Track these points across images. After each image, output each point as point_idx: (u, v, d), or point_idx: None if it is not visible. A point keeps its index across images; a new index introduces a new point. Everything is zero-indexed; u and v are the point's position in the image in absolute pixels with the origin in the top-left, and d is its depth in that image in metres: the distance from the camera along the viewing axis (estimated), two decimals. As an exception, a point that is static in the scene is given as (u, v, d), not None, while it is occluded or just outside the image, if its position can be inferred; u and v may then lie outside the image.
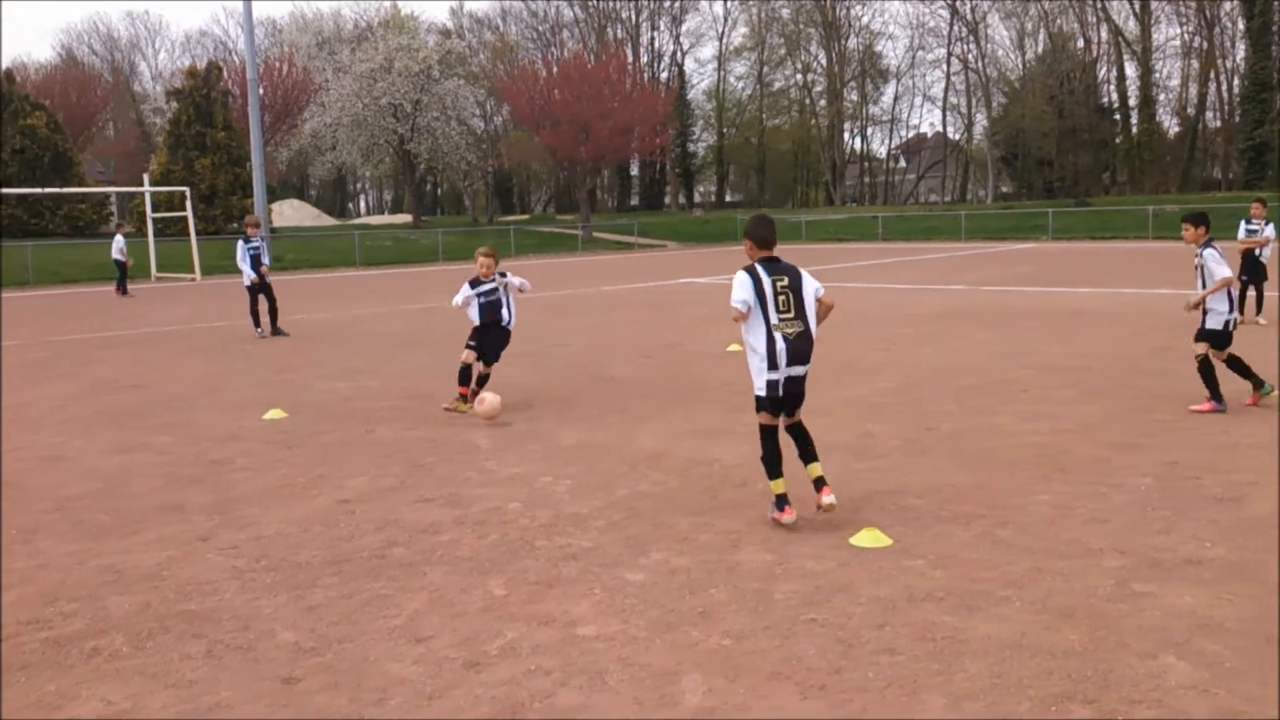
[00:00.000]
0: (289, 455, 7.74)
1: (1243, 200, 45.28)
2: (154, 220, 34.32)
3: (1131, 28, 73.87)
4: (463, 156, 65.53)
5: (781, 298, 5.80)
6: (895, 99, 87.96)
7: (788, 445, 5.85)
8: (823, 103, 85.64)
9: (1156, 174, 72.24)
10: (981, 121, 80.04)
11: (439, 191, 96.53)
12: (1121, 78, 75.14)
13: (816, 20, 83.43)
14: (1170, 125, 77.13)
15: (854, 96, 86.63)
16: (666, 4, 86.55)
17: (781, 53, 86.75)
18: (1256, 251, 14.22)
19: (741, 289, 5.86)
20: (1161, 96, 75.03)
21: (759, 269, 5.94)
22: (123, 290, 26.88)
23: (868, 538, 5.37)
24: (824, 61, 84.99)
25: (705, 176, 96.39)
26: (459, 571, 5.07)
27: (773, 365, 5.74)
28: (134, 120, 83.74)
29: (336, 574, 5.09)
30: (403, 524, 5.90)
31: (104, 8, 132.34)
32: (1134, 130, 73.80)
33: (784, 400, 5.84)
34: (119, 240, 27.88)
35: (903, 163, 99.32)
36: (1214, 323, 8.52)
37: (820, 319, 6.00)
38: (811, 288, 5.99)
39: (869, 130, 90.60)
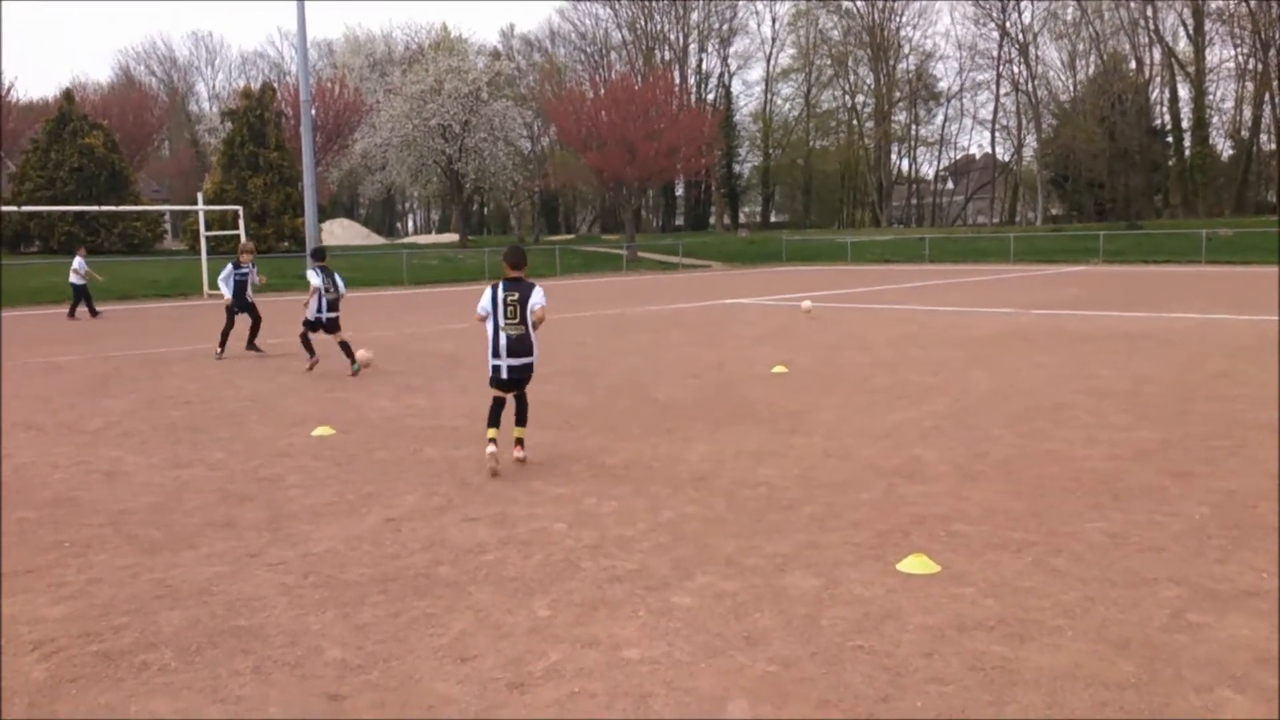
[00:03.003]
0: (339, 473, 7.81)
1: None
2: (207, 238, 34.90)
3: (1185, 49, 73.04)
4: (509, 177, 66.11)
5: (509, 308, 7.77)
6: (945, 120, 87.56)
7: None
8: (870, 124, 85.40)
9: (1210, 197, 71.17)
10: (1031, 143, 79.34)
11: (485, 211, 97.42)
12: (1174, 99, 74.23)
13: (865, 41, 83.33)
14: (1224, 148, 76.07)
15: (902, 118, 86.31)
16: (715, 26, 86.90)
17: (830, 74, 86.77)
18: None
19: (483, 300, 7.92)
20: (1215, 119, 74.03)
21: (499, 286, 7.87)
22: (91, 312, 25.10)
23: (916, 564, 5.30)
24: (872, 83, 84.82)
25: (751, 197, 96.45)
26: (504, 591, 5.08)
27: (496, 354, 7.84)
28: (189, 140, 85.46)
29: (384, 592, 5.12)
30: (449, 543, 5.92)
31: (166, 28, 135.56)
32: (1187, 153, 72.82)
33: (506, 381, 7.90)
34: (78, 261, 25.50)
35: (950, 184, 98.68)
36: None
37: (535, 325, 7.83)
38: (531, 302, 7.78)
39: (917, 152, 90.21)
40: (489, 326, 7.82)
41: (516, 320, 7.75)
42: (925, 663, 4.13)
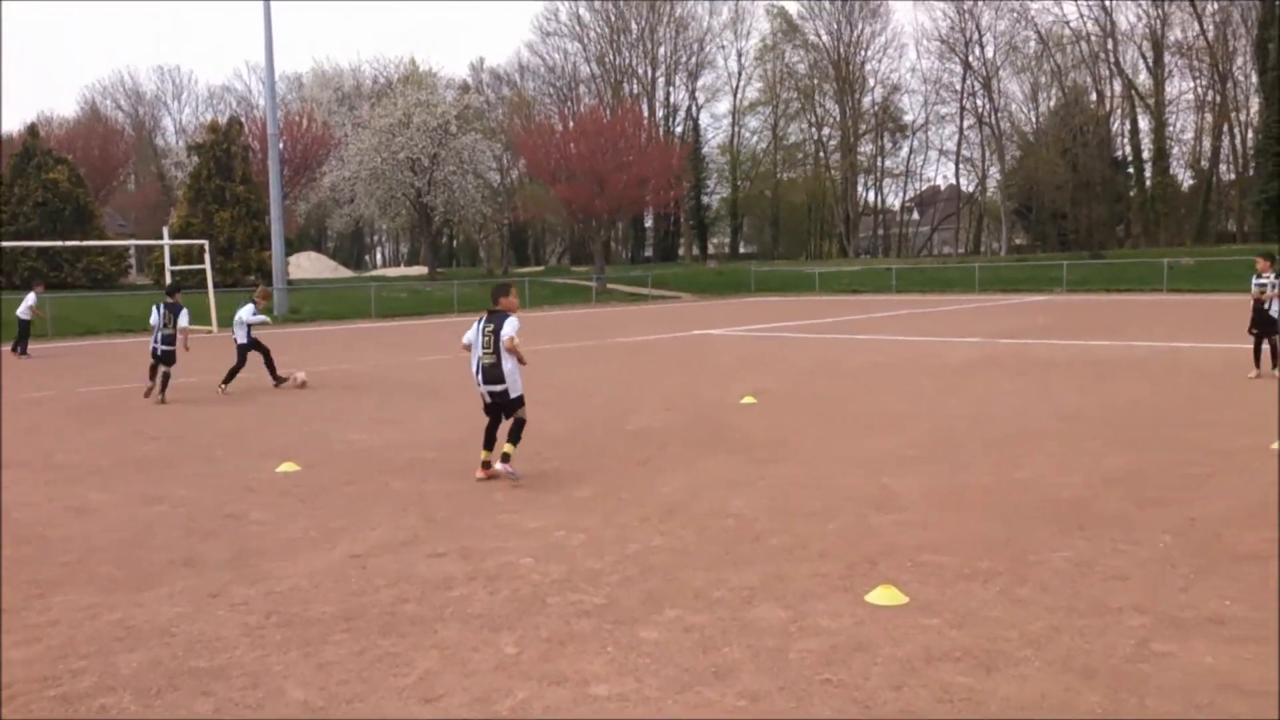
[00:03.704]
0: (304, 508, 7.72)
1: (1258, 252, 45.20)
2: (172, 273, 34.61)
3: (1144, 81, 74.39)
4: (478, 209, 66.13)
5: (485, 338, 8.40)
6: (910, 152, 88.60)
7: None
8: (836, 156, 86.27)
9: (1171, 227, 72.26)
10: (995, 174, 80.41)
11: (455, 243, 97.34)
12: (1135, 131, 75.47)
13: (831, 75, 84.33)
14: (1184, 178, 77.40)
15: (868, 150, 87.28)
16: (682, 60, 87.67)
17: (796, 106, 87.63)
18: (1266, 305, 14.15)
19: (468, 332, 8.63)
20: (1175, 149, 75.38)
21: (481, 320, 8.53)
22: (20, 350, 23.81)
23: (884, 595, 5.30)
24: (838, 115, 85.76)
25: (719, 228, 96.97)
26: (471, 628, 5.03)
27: (478, 383, 8.52)
28: (155, 174, 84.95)
29: (348, 630, 5.05)
30: (415, 579, 5.86)
31: (134, 63, 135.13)
32: (1148, 183, 73.95)
33: (492, 406, 8.58)
34: (30, 297, 24.48)
35: (916, 215, 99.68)
36: None
37: (511, 352, 8.29)
38: (503, 332, 8.28)
39: (884, 183, 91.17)
40: (472, 358, 8.56)
41: (490, 350, 8.36)
42: (894, 695, 4.12)
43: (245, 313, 16.17)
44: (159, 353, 14.67)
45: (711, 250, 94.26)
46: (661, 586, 5.61)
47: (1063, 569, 5.73)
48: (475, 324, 8.59)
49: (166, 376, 14.61)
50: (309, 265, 72.83)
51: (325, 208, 74.88)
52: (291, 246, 65.52)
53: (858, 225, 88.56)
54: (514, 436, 8.46)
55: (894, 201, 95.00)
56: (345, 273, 76.90)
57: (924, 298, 44.49)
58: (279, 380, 16.01)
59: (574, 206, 56.43)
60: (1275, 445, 9.01)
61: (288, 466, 9.30)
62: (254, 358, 16.07)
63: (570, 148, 55.20)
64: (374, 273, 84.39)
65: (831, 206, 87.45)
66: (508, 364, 8.36)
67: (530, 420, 11.51)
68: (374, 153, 61.47)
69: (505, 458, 8.37)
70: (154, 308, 15.05)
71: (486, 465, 8.54)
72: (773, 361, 18.39)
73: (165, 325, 14.68)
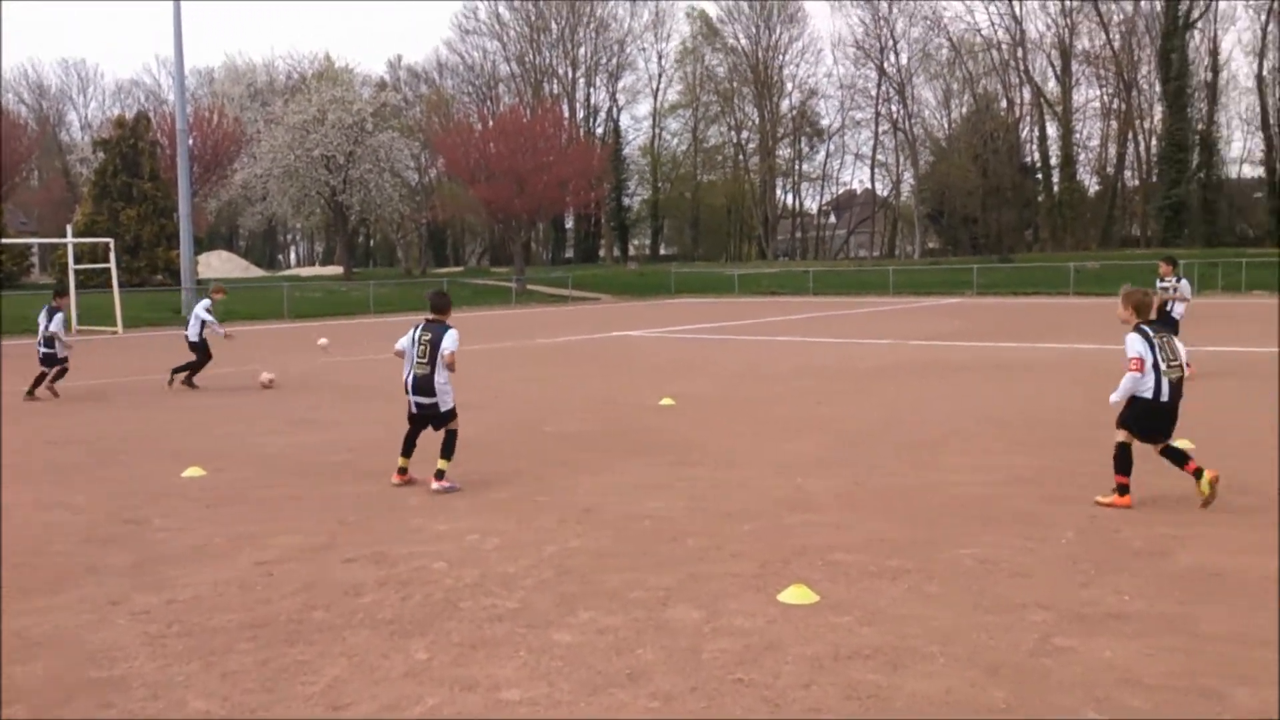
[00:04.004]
0: (210, 514, 7.53)
1: (1160, 257, 46.80)
2: (76, 272, 33.52)
3: (1053, 89, 76.52)
4: (395, 208, 65.32)
5: (421, 347, 8.11)
6: (827, 156, 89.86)
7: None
8: (755, 159, 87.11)
9: (1078, 231, 74.43)
10: (909, 179, 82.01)
11: (371, 243, 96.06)
12: (1043, 138, 77.62)
13: (750, 79, 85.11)
14: (1090, 184, 79.74)
15: (786, 153, 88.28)
16: (603, 61, 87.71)
17: (716, 110, 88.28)
18: (1169, 306, 14.63)
19: (401, 340, 8.31)
20: (1082, 156, 77.61)
21: (417, 328, 8.23)
22: None
23: (796, 594, 5.35)
24: (757, 119, 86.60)
25: (640, 230, 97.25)
26: (381, 635, 4.95)
27: (406, 390, 8.25)
28: (59, 170, 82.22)
29: (253, 639, 4.94)
30: (324, 585, 5.75)
31: (38, 56, 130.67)
32: (1055, 188, 76.11)
33: (418, 418, 8.26)
34: None
35: (833, 218, 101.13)
36: None
37: (446, 366, 8.03)
38: (442, 346, 8.01)
39: (801, 186, 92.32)
40: (405, 366, 8.30)
41: (425, 361, 8.10)
42: (804, 693, 4.16)
43: (201, 308, 15.94)
44: (40, 355, 14.69)
45: (632, 252, 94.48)
46: (577, 589, 5.59)
47: (970, 566, 5.85)
48: (410, 331, 8.25)
49: (57, 376, 14.65)
50: (219, 265, 71.27)
51: (237, 206, 73.30)
52: (201, 245, 64.01)
53: (776, 228, 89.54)
54: (447, 451, 8.16)
55: (811, 205, 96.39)
56: (257, 272, 75.41)
57: (841, 300, 45.14)
58: (173, 378, 15.66)
59: (493, 207, 56.05)
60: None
61: (195, 471, 9.07)
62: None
63: (490, 147, 54.83)
64: (287, 272, 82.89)
65: (751, 209, 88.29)
66: (440, 377, 8.10)
67: (447, 423, 11.44)
68: (287, 150, 60.34)
69: (439, 474, 8.08)
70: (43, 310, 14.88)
71: (403, 471, 8.35)
72: (692, 363, 18.48)
73: (46, 328, 14.58)
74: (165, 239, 48.73)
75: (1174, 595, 5.26)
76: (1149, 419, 7.17)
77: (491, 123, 59.75)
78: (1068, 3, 73.75)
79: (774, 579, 5.66)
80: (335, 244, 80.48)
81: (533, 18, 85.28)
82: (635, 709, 4.05)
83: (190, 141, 45.03)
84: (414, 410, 8.27)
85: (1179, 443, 9.26)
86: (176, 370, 15.65)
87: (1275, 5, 67.71)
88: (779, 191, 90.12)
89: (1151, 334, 7.17)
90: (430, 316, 8.29)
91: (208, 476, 8.91)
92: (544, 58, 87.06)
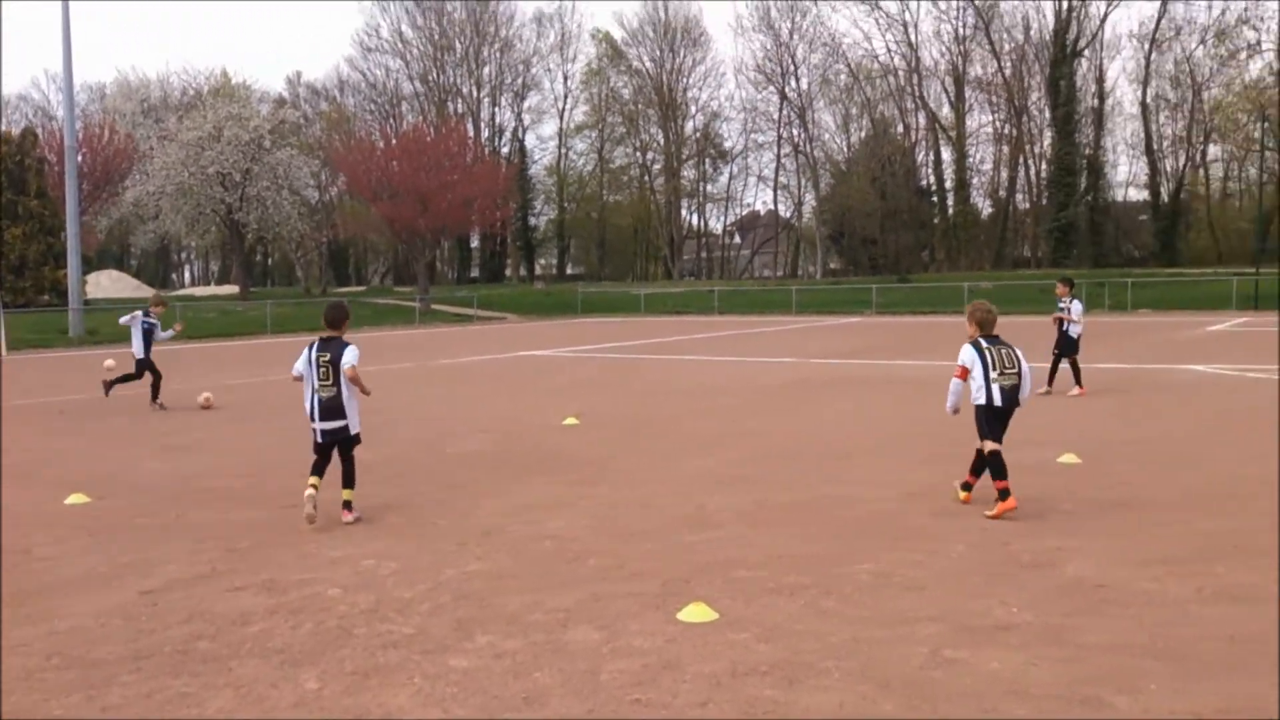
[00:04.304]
0: (94, 543, 7.25)
1: (1050, 277, 48.42)
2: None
3: (947, 114, 78.80)
4: (295, 227, 64.03)
5: (322, 369, 7.53)
6: (731, 178, 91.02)
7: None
8: (661, 180, 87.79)
9: (972, 252, 76.65)
10: (810, 201, 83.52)
11: (270, 262, 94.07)
12: (938, 162, 79.88)
13: (654, 101, 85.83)
14: (984, 206, 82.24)
15: (691, 174, 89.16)
16: (508, 81, 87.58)
17: (621, 131, 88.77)
18: (1064, 326, 15.12)
19: (297, 363, 7.71)
20: (975, 179, 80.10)
21: (312, 347, 7.65)
22: None
23: (696, 612, 5.36)
24: (662, 140, 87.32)
25: (547, 249, 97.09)
26: (270, 664, 4.81)
27: (311, 417, 7.64)
28: (-62, 186, 78.73)
29: (136, 671, 4.75)
30: (211, 614, 5.57)
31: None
32: (950, 211, 78.26)
33: (325, 446, 7.65)
34: None
35: (737, 239, 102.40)
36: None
37: (351, 382, 7.53)
38: (342, 362, 7.50)
39: (706, 207, 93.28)
40: (305, 389, 7.73)
41: (329, 382, 7.56)
42: (701, 711, 4.16)
43: (139, 320, 15.76)
44: None
45: (539, 271, 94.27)
46: (475, 613, 5.51)
47: (865, 581, 5.94)
48: (305, 352, 7.66)
49: None
50: (109, 284, 68.98)
51: (128, 224, 71.16)
52: (90, 265, 62.00)
53: (682, 248, 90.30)
54: (350, 480, 7.72)
55: (716, 225, 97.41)
56: (149, 291, 73.16)
57: (746, 319, 45.66)
58: (110, 388, 15.87)
59: (397, 225, 55.38)
60: (1061, 459, 9.61)
61: (77, 498, 8.72)
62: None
63: (392, 165, 54.19)
64: (181, 292, 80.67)
65: (656, 229, 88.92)
66: (349, 398, 7.61)
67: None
68: (181, 167, 58.75)
69: (347, 505, 7.61)
70: None
71: (315, 489, 7.49)
72: (597, 383, 18.47)
73: None
74: (53, 258, 47.03)
75: (1059, 607, 5.40)
76: (984, 421, 7.69)
77: (395, 141, 59.10)
78: (961, 31, 76.19)
79: (674, 598, 5.67)
80: (231, 263, 78.61)
81: (436, 36, 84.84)
82: (531, 733, 4.00)
83: (79, 158, 43.62)
84: (320, 439, 7.66)
85: (1065, 458, 9.62)
86: (154, 396, 15.51)
87: (1157, 35, 70.93)
88: (684, 212, 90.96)
89: (985, 345, 7.75)
90: (325, 334, 7.73)
91: (91, 504, 8.58)
92: (448, 76, 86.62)
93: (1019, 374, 7.70)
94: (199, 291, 77.74)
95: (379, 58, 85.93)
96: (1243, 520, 7.17)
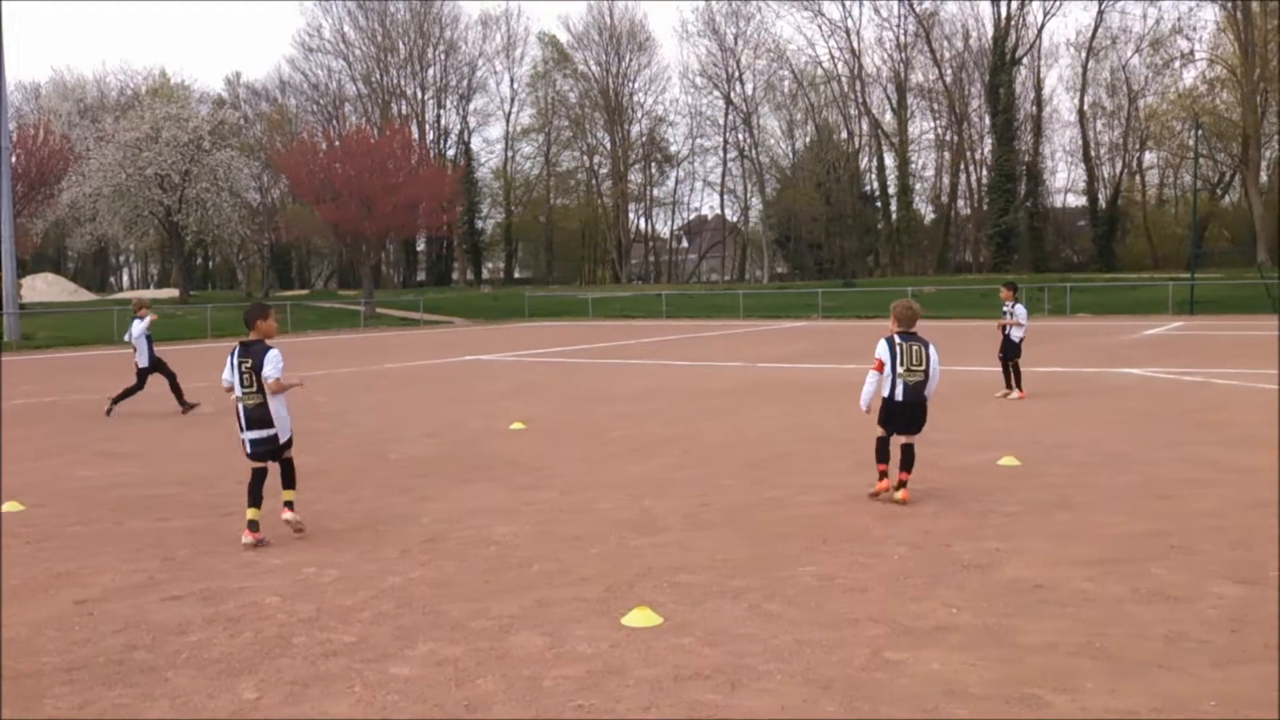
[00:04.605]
0: (28, 551, 7.08)
1: (991, 281, 49.23)
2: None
3: (890, 121, 79.72)
4: (236, 229, 63.09)
5: (245, 376, 7.11)
6: (677, 182, 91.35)
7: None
8: (608, 184, 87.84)
9: (915, 257, 77.65)
10: (757, 206, 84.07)
11: (211, 265, 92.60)
12: (882, 167, 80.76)
13: (601, 105, 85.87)
14: (926, 212, 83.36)
15: (638, 179, 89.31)
16: (453, 83, 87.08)
17: (568, 134, 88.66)
18: (1007, 330, 15.34)
19: (225, 372, 7.31)
20: (918, 185, 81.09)
21: (234, 353, 7.22)
22: None
23: (639, 617, 5.36)
24: (609, 144, 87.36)
25: (494, 253, 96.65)
26: (207, 675, 4.73)
27: (239, 427, 7.24)
28: None
29: (69, 682, 4.65)
30: (148, 624, 5.47)
31: None
32: (894, 216, 79.21)
33: (253, 455, 7.22)
34: None
35: (685, 243, 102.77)
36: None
37: (274, 393, 7.10)
38: (265, 371, 7.05)
39: (653, 211, 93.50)
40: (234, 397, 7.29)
41: (253, 389, 7.12)
42: (643, 716, 4.16)
43: (136, 330, 15.35)
44: None
45: (486, 275, 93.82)
46: (418, 620, 5.47)
47: (809, 584, 5.98)
48: (228, 359, 7.29)
49: None
50: (45, 288, 67.55)
51: (65, 226, 69.60)
52: (25, 268, 60.61)
53: (630, 252, 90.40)
54: (289, 480, 7.36)
55: (664, 229, 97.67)
56: (87, 295, 71.72)
57: (693, 323, 45.81)
58: (183, 407, 15.26)
59: (340, 228, 54.76)
60: (1001, 461, 9.75)
61: (11, 506, 8.52)
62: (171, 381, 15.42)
63: (335, 167, 53.59)
64: (119, 295, 79.10)
65: (604, 233, 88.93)
66: (275, 405, 7.18)
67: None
68: (118, 168, 57.65)
69: (288, 504, 7.26)
70: None
71: (255, 527, 7.09)
72: (544, 387, 18.42)
73: None
74: (-16, 261, 45.87)
75: (999, 607, 5.49)
76: (886, 413, 8.24)
77: (337, 143, 58.47)
78: (902, 38, 77.17)
79: (619, 602, 5.66)
80: (171, 266, 77.30)
81: (379, 38, 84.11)
82: (474, 741, 3.97)
83: (13, 159, 42.61)
84: (249, 450, 7.23)
85: (1005, 460, 9.77)
86: (179, 401, 15.28)
87: (1094, 44, 72.38)
88: (632, 216, 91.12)
89: (899, 342, 8.19)
90: (246, 338, 7.29)
91: (26, 511, 8.38)
92: (392, 78, 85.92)
93: (925, 372, 8.13)
94: (138, 295, 76.26)
95: (321, 58, 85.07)
96: (1178, 521, 7.34)
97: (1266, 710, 4.14)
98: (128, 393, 15.30)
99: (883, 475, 8.16)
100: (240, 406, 7.19)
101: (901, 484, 8.13)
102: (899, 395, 8.12)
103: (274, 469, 7.40)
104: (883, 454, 8.23)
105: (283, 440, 7.31)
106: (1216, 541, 6.72)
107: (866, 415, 8.51)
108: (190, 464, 10.68)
